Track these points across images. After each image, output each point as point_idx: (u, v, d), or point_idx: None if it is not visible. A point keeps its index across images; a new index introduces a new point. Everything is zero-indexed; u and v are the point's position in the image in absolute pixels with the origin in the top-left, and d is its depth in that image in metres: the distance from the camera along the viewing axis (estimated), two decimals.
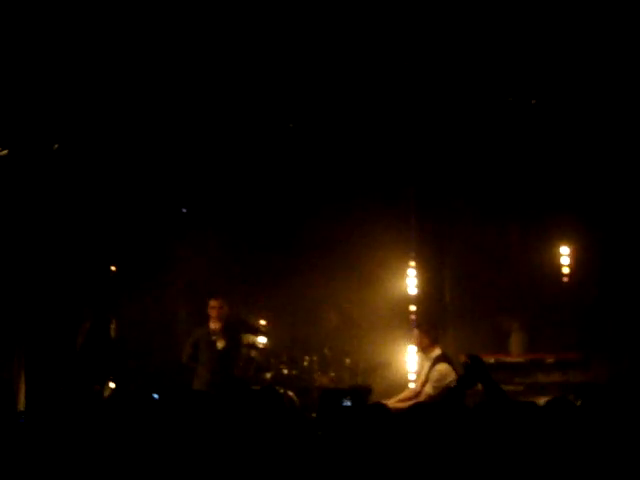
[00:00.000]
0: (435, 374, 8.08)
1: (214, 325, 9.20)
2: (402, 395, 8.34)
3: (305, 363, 10.65)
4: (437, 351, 8.24)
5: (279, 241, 11.57)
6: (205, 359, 9.19)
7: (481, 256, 10.72)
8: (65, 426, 4.68)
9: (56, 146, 9.40)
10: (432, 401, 7.77)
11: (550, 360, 9.05)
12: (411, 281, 11.14)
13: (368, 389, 9.24)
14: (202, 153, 10.42)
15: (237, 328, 9.72)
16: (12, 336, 10.07)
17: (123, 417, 4.66)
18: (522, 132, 9.77)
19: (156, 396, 5.35)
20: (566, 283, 10.44)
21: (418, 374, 8.51)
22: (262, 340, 10.86)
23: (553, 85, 9.01)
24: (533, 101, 9.25)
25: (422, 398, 7.95)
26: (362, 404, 4.80)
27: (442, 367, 8.10)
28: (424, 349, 8.29)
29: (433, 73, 8.88)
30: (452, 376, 8.01)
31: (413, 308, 11.03)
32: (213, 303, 9.28)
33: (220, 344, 9.17)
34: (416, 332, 8.45)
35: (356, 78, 8.99)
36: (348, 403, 4.48)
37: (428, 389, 8.05)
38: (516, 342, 10.37)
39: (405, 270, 11.26)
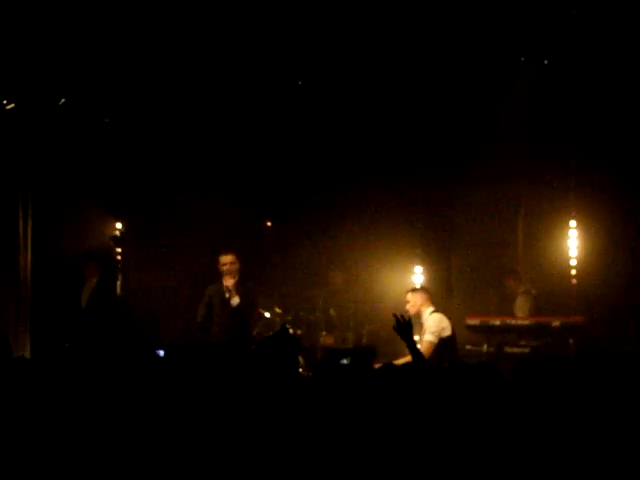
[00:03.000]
0: (429, 322, 8.30)
1: (227, 282, 8.88)
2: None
3: (310, 321, 10.65)
4: (430, 308, 8.45)
5: (286, 203, 11.56)
6: (219, 318, 8.91)
7: (489, 219, 10.69)
8: (70, 381, 4.67)
9: (63, 100, 9.34)
10: (434, 349, 8.02)
11: (556, 323, 8.99)
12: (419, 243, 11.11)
13: (372, 350, 9.24)
14: (212, 113, 10.33)
15: (252, 285, 9.30)
16: (16, 289, 10.12)
17: (127, 374, 4.65)
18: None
19: (161, 353, 5.34)
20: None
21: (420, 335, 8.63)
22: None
23: None
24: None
25: (423, 347, 8.04)
26: (366, 365, 4.79)
27: (435, 315, 8.36)
28: (418, 311, 8.39)
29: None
30: (446, 322, 8.28)
31: (419, 270, 11.02)
32: (224, 259, 8.93)
33: (234, 301, 8.86)
34: (408, 295, 8.52)
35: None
36: (345, 362, 4.45)
37: (427, 337, 8.19)
38: (521, 305, 10.34)
39: (413, 232, 11.23)
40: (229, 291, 8.89)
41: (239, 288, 8.92)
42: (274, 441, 3.92)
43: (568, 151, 10.10)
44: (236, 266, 8.95)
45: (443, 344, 8.15)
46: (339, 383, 4.26)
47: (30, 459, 4.03)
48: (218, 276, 9.06)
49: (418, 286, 10.13)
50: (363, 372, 4.36)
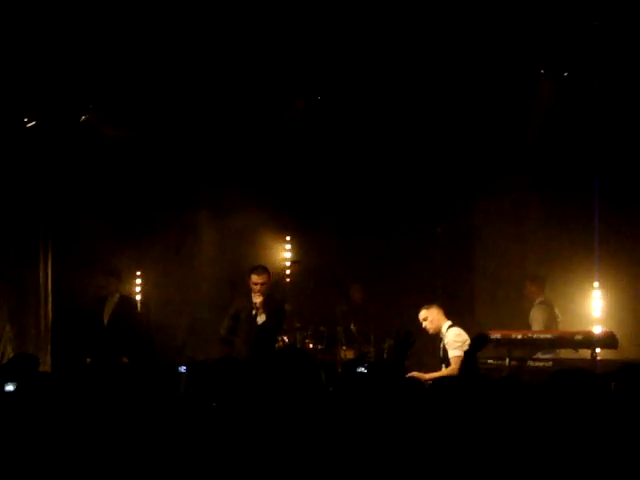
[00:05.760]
0: (450, 337, 8.21)
1: (256, 299, 8.91)
2: (441, 373, 8.24)
3: (331, 335, 10.61)
4: (447, 322, 8.37)
5: (309, 218, 11.58)
6: (244, 333, 8.96)
7: (513, 231, 10.65)
8: (90, 396, 4.68)
9: (84, 117, 9.43)
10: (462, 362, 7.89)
11: (579, 337, 8.90)
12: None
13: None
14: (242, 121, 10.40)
15: (281, 304, 9.43)
16: (37, 304, 10.17)
17: (147, 389, 4.65)
18: None
19: (183, 369, 5.34)
20: None
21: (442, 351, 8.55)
22: None
23: None
24: None
25: (453, 362, 7.97)
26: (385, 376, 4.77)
27: (453, 329, 8.25)
28: (437, 326, 8.31)
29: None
30: (465, 335, 8.17)
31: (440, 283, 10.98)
32: (256, 278, 8.92)
33: (260, 319, 8.93)
34: (423, 312, 8.42)
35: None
36: (363, 370, 4.44)
37: (454, 352, 8.09)
38: (536, 317, 10.22)
39: (433, 246, 11.21)
40: (257, 309, 8.94)
41: (267, 306, 8.96)
42: (293, 451, 3.91)
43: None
44: (267, 285, 9.00)
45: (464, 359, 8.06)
46: (358, 391, 4.24)
47: (49, 470, 4.04)
48: (248, 291, 9.07)
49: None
50: (381, 382, 4.34)
